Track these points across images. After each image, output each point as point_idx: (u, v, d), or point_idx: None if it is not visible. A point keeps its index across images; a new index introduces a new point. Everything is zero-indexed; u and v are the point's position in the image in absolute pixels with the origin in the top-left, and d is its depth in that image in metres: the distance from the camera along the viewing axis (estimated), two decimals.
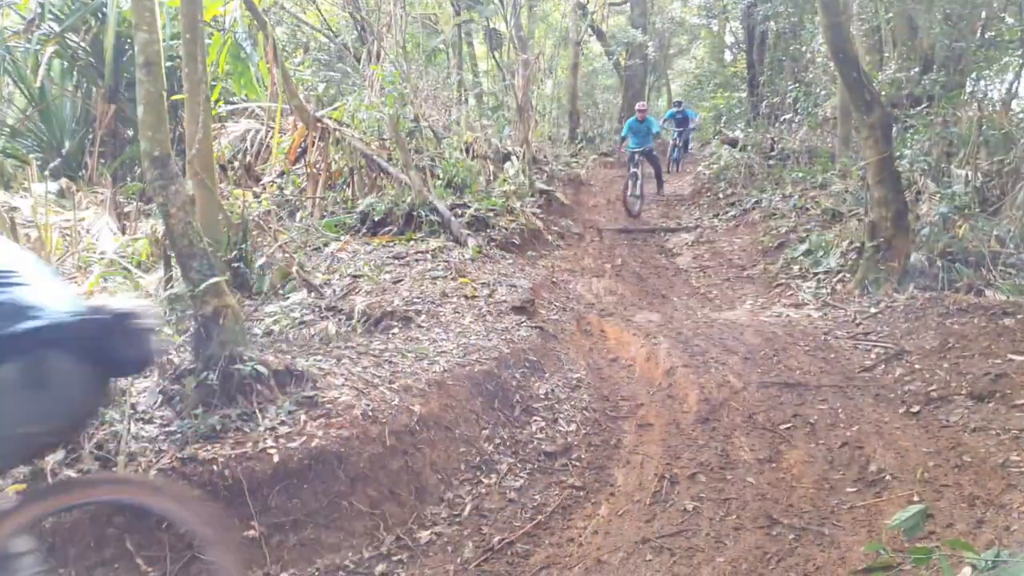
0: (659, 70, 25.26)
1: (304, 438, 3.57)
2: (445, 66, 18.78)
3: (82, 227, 8.89)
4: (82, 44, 11.16)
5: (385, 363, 4.60)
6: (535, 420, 4.75)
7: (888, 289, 6.47)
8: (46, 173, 8.64)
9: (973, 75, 13.41)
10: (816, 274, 7.40)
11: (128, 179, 10.41)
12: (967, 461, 3.52)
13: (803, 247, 8.11)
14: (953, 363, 4.70)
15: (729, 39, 25.19)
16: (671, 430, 4.51)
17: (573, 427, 4.73)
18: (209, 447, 3.45)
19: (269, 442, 3.50)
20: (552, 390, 5.13)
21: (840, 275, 7.14)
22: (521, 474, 4.16)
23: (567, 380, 5.35)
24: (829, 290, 7.01)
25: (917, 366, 4.86)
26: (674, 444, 4.31)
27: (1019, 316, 5.21)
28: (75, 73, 11.40)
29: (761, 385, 4.88)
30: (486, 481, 4.05)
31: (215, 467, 3.32)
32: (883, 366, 5.01)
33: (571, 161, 13.71)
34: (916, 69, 12.00)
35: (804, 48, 15.72)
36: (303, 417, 3.74)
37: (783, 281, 7.61)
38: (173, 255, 4.44)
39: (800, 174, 10.79)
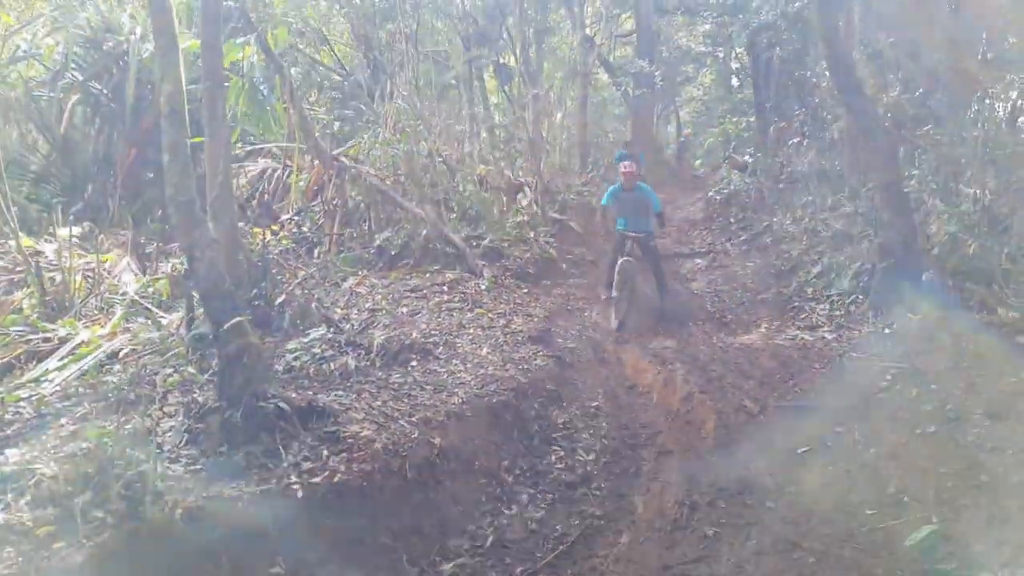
0: (667, 98, 25.49)
1: (327, 473, 3.64)
2: (457, 101, 19.10)
3: (104, 269, 9.10)
4: (104, 91, 11.48)
5: (404, 396, 4.67)
6: (554, 450, 4.80)
7: (900, 310, 6.49)
8: (70, 218, 8.86)
9: (978, 94, 13.46)
10: (829, 296, 7.43)
11: (149, 220, 10.65)
12: (985, 481, 3.54)
13: (816, 270, 8.14)
14: (968, 382, 4.71)
15: (735, 65, 25.46)
16: (690, 456, 4.55)
17: (592, 456, 4.77)
18: (234, 484, 3.53)
19: (293, 478, 3.58)
20: (570, 419, 5.19)
21: (853, 297, 7.16)
22: (542, 504, 4.20)
23: (585, 409, 5.41)
24: (843, 312, 7.03)
25: (932, 386, 4.87)
26: (693, 470, 4.34)
27: None
28: (97, 119, 11.71)
29: (777, 409, 4.91)
30: (507, 512, 4.10)
31: (240, 504, 3.40)
32: (898, 387, 5.02)
33: (583, 190, 13.81)
34: (920, 91, 12.07)
35: (809, 73, 15.84)
36: (325, 452, 3.82)
37: (797, 304, 7.64)
38: (196, 295, 4.56)
39: (810, 197, 10.83)
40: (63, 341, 6.06)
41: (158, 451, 3.85)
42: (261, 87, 8.88)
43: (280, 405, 3.93)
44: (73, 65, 10.96)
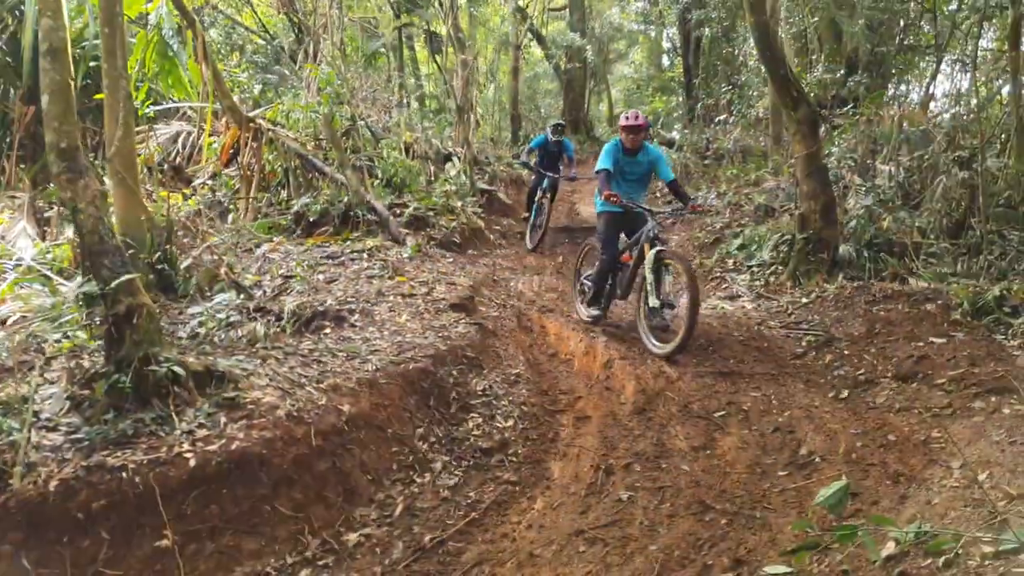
0: (599, 76, 25.52)
1: (224, 441, 3.41)
2: (386, 69, 18.60)
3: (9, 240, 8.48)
4: (72, 84, 10.69)
5: (314, 363, 4.45)
6: (472, 417, 4.66)
7: (819, 280, 6.60)
8: None
9: (895, 78, 13.89)
10: (750, 267, 7.51)
11: (49, 184, 9.98)
12: (892, 440, 3.58)
13: (737, 242, 8.23)
14: (879, 348, 4.79)
15: (667, 45, 25.66)
16: (608, 422, 4.48)
17: (511, 423, 4.66)
18: (119, 453, 3.27)
19: (185, 446, 3.34)
20: (490, 386, 5.06)
21: (773, 268, 7.25)
22: (456, 472, 4.07)
23: (506, 376, 5.28)
24: (762, 282, 7.11)
25: (846, 352, 4.95)
26: (611, 435, 4.28)
27: (939, 302, 5.35)
28: None
29: (696, 375, 4.90)
30: (419, 480, 3.95)
31: (124, 474, 3.14)
32: (813, 353, 5.09)
33: (513, 163, 13.66)
34: (841, 72, 12.36)
35: (737, 52, 16.07)
36: (223, 419, 3.58)
37: (718, 275, 7.70)
38: (81, 252, 4.21)
39: (734, 172, 10.98)
40: None
41: (34, 419, 3.54)
42: (171, 42, 8.35)
43: (174, 369, 3.65)
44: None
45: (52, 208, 8.37)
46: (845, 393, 4.30)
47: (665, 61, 26.17)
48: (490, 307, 6.57)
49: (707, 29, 16.82)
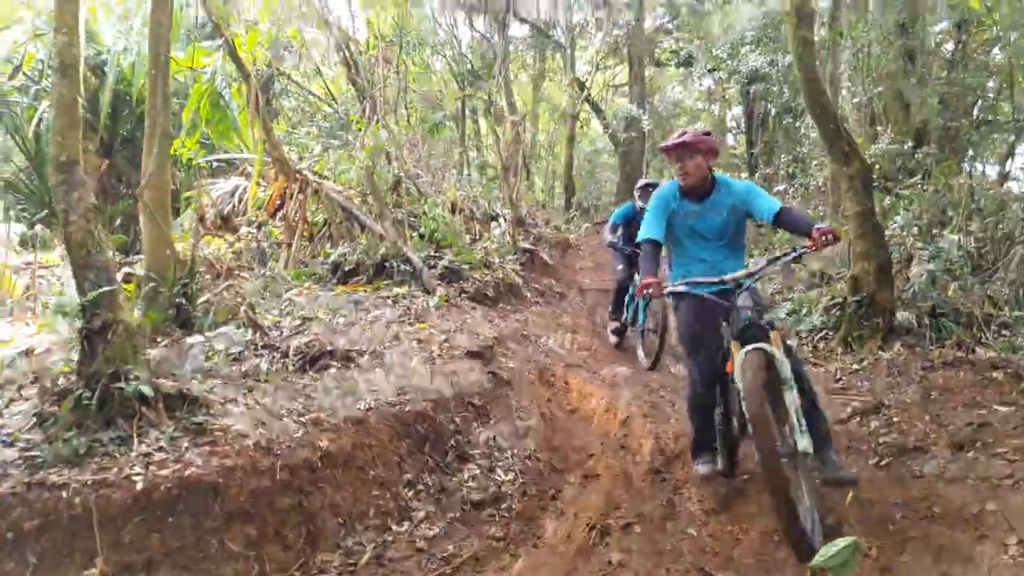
0: (659, 150, 25.42)
1: (179, 466, 3.15)
2: (448, 140, 19.00)
3: (47, 270, 8.69)
4: (80, 101, 11.22)
5: (302, 397, 4.19)
6: (469, 467, 4.29)
7: (873, 346, 6.03)
8: (10, 213, 8.50)
9: (968, 152, 13.27)
10: (798, 333, 6.97)
11: (116, 232, 10.29)
12: (937, 512, 3.04)
13: (788, 307, 7.70)
14: (934, 415, 4.23)
15: (732, 124, 25.51)
16: (618, 482, 4.04)
17: (510, 476, 4.26)
18: (66, 472, 3.04)
19: (137, 468, 3.09)
20: (494, 437, 4.68)
21: (823, 333, 6.70)
22: (439, 523, 3.68)
23: (515, 428, 4.90)
24: (810, 348, 6.56)
25: (895, 419, 4.39)
26: (617, 495, 3.84)
27: (1009, 370, 4.75)
28: None
29: None
30: (396, 528, 3.58)
31: (64, 493, 2.90)
32: (858, 419, 4.54)
33: (562, 227, 13.52)
34: (909, 144, 11.85)
35: (798, 124, 15.73)
36: (185, 444, 3.33)
37: None
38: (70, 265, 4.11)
39: (788, 238, 10.48)
40: None
41: None
42: (223, 92, 8.61)
43: (142, 389, 3.45)
44: (50, 73, 10.76)
45: (112, 254, 8.56)
46: (888, 460, 3.75)
47: (730, 140, 26.00)
48: (512, 359, 6.23)
49: (768, 104, 16.60)
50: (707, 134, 3.80)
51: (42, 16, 12.72)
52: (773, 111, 17.51)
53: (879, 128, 13.03)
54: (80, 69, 3.97)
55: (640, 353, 7.17)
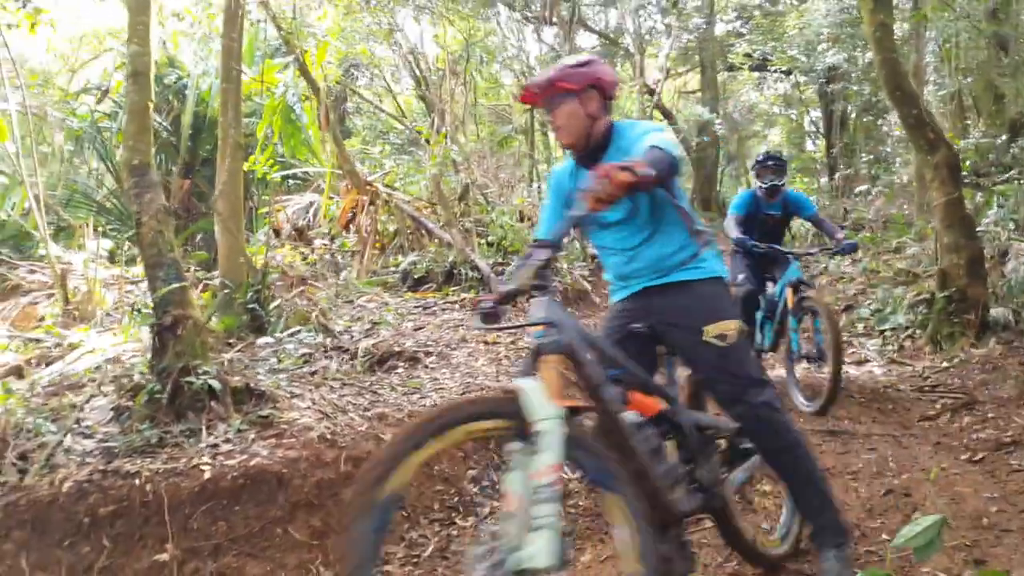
0: (736, 159, 24.90)
1: (244, 456, 3.19)
2: (517, 152, 19.10)
3: (132, 282, 9.09)
4: (164, 123, 11.80)
5: (368, 393, 4.22)
6: None
7: (964, 343, 5.66)
8: (99, 231, 8.95)
9: None
10: (882, 331, 6.62)
11: (197, 249, 10.73)
12: None
13: (872, 306, 7.34)
14: None
15: (811, 128, 24.73)
16: None
17: (579, 473, 4.15)
18: (138, 461, 3.13)
19: (205, 459, 3.15)
20: None
21: (909, 332, 6.34)
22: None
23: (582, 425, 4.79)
24: (896, 347, 6.22)
25: (990, 415, 4.10)
26: None
27: None
28: (157, 150, 12.04)
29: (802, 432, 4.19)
30: (461, 523, 3.53)
31: (137, 481, 2.98)
32: (948, 415, 4.26)
33: None
34: (1003, 137, 11.18)
35: (880, 122, 15.11)
36: (252, 436, 3.38)
37: (845, 340, 6.84)
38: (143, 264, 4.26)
39: (871, 238, 10.03)
40: (73, 347, 5.92)
41: (75, 426, 3.51)
42: (295, 107, 8.89)
43: (211, 383, 3.53)
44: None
45: (190, 269, 8.93)
46: (982, 455, 3.49)
47: (809, 146, 25.22)
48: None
49: (847, 103, 16.02)
50: (584, 64, 2.43)
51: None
52: (853, 111, 16.90)
53: (969, 121, 12.38)
54: (151, 76, 4.13)
55: (795, 393, 5.07)
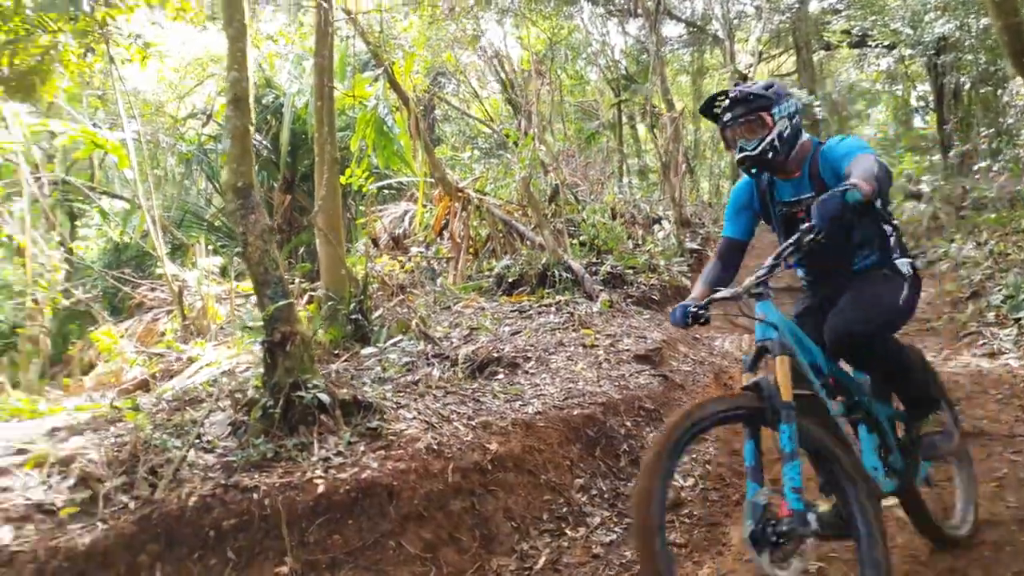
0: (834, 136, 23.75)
1: (355, 469, 3.23)
2: (606, 148, 18.88)
3: (242, 296, 9.49)
4: (264, 142, 12.30)
5: (471, 401, 4.21)
6: None
7: None
8: (210, 248, 9.39)
9: None
10: (1017, 320, 6.10)
11: (300, 261, 11.15)
12: None
13: (1003, 292, 6.78)
14: None
15: (918, 104, 23.31)
16: (811, 486, 3.67)
17: (690, 482, 4.02)
18: (256, 475, 3.21)
19: (318, 472, 3.20)
20: None
21: None
22: (616, 529, 3.52)
23: None
24: None
25: None
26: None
27: None
28: (258, 168, 12.59)
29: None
30: (571, 534, 3.46)
31: (255, 495, 3.06)
32: None
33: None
34: None
35: (999, 91, 14.02)
36: (361, 448, 3.42)
37: (973, 330, 6.36)
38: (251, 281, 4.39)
39: (998, 218, 9.30)
40: (192, 361, 6.24)
41: (197, 440, 3.65)
42: (387, 118, 9.05)
43: (320, 397, 3.60)
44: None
45: (294, 282, 9.26)
46: None
47: (918, 122, 23.77)
48: (684, 362, 5.95)
49: (959, 75, 14.95)
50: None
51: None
52: (967, 83, 15.77)
53: None
54: (250, 101, 4.25)
55: None
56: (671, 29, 20.98)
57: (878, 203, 2.45)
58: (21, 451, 3.29)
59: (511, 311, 6.88)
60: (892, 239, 2.68)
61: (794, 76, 21.53)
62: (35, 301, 10.97)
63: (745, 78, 16.96)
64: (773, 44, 20.54)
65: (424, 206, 10.46)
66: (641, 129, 22.60)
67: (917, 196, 12.44)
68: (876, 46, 17.93)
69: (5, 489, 2.97)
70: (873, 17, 16.13)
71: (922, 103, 22.99)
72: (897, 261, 2.66)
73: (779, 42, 20.47)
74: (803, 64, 19.53)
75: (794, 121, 2.62)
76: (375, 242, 10.64)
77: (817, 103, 16.31)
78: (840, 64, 21.82)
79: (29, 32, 7.25)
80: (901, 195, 12.99)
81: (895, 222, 2.74)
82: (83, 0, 6.62)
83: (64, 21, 7.12)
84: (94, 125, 8.86)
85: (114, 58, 7.47)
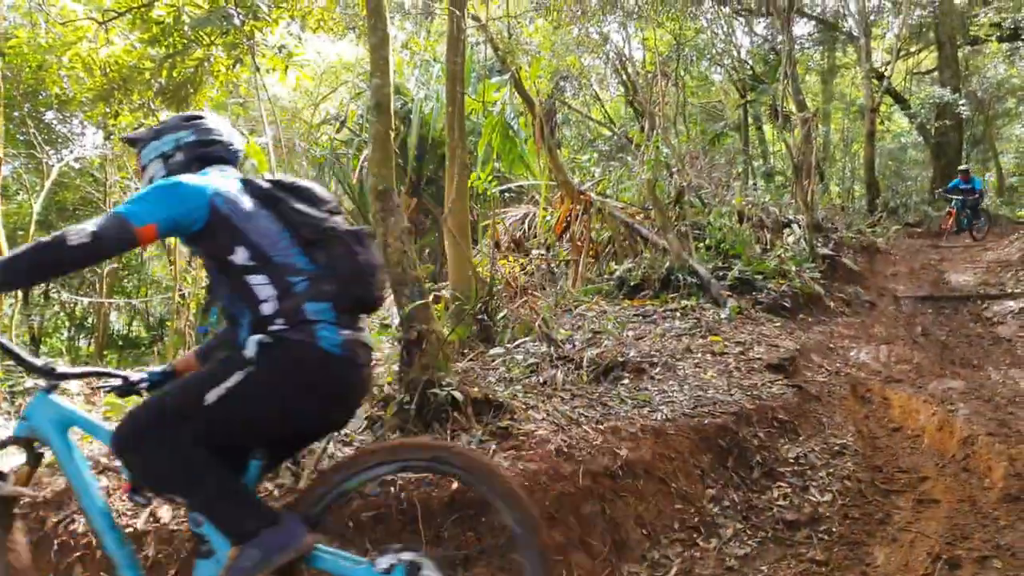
0: (984, 141, 22.03)
1: None
2: (731, 150, 18.38)
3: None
4: (392, 136, 12.74)
5: (599, 405, 4.20)
6: (779, 486, 3.95)
7: None
8: None
9: None
10: None
11: (424, 262, 11.51)
12: None
13: None
14: None
15: None
16: (962, 508, 3.43)
17: (828, 497, 3.84)
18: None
19: None
20: (805, 455, 4.27)
21: None
22: (750, 542, 3.41)
23: (827, 446, 4.43)
24: None
25: None
26: (963, 523, 3.25)
27: None
28: None
29: None
30: (703, 544, 3.38)
31: (392, 489, 3.17)
32: None
33: (867, 230, 12.22)
34: None
35: None
36: (493, 447, 3.48)
37: None
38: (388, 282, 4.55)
39: None
40: None
41: (335, 434, 3.82)
42: (512, 123, 9.19)
43: (453, 394, 3.69)
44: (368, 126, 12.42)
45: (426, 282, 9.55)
46: None
47: None
48: (818, 373, 5.70)
49: None
50: None
51: (360, 77, 14.66)
52: None
53: None
54: (391, 107, 4.43)
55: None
56: (800, 27, 20.12)
57: None
58: None
59: (634, 315, 6.80)
60: None
61: (935, 73, 20.17)
62: (182, 296, 11.88)
63: (881, 77, 16.01)
64: (913, 40, 19.28)
65: (544, 209, 10.53)
66: (768, 130, 21.83)
67: None
68: None
69: None
70: None
71: None
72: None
73: (920, 37, 19.20)
74: (946, 60, 18.25)
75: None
76: (497, 244, 10.80)
77: (961, 102, 15.18)
78: (988, 60, 20.22)
79: (186, 46, 7.85)
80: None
81: None
82: (235, 15, 7.08)
83: (217, 35, 7.66)
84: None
85: (259, 68, 7.97)
